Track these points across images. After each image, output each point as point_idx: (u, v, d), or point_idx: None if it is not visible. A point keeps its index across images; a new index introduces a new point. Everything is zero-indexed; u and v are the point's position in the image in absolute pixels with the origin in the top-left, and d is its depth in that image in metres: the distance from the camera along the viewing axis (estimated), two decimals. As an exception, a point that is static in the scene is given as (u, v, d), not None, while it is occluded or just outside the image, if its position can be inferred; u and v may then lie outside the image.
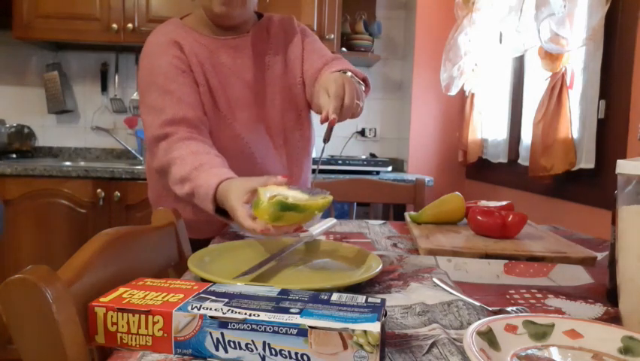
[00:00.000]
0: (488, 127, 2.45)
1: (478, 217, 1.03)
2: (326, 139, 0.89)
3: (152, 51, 1.08)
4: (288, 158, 1.20)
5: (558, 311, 0.64)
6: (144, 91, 1.07)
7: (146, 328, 0.48)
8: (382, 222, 1.27)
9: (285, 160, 1.19)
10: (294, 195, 0.73)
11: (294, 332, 0.45)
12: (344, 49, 2.69)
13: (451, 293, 0.66)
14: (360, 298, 0.52)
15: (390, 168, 2.52)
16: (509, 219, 1.00)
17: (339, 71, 1.00)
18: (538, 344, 0.50)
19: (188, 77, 1.06)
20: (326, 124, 0.86)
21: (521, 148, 2.08)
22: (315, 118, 1.26)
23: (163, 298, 0.51)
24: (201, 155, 0.96)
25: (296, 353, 0.45)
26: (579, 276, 0.79)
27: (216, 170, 0.90)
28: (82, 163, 2.52)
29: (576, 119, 1.64)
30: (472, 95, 2.46)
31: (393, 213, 2.41)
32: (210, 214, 0.90)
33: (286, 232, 0.75)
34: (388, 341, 0.52)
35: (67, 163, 2.45)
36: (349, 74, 0.97)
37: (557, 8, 1.53)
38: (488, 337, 0.48)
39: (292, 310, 0.47)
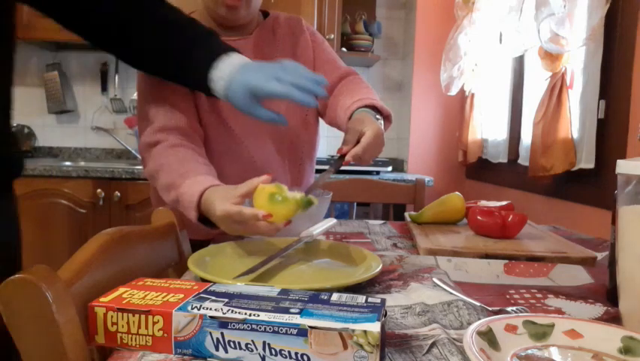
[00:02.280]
0: (488, 127, 2.45)
1: (478, 217, 1.03)
2: (334, 169, 0.89)
3: None
4: (291, 162, 1.18)
5: (558, 311, 0.64)
6: (140, 95, 1.07)
7: (146, 328, 0.48)
8: (382, 222, 1.27)
9: (287, 165, 1.17)
10: (292, 193, 0.75)
11: (294, 332, 0.45)
12: (344, 49, 2.69)
13: (451, 293, 0.66)
14: (360, 298, 0.52)
15: (390, 168, 2.52)
16: (509, 219, 1.00)
17: (370, 107, 0.98)
18: (538, 344, 0.50)
19: None
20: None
21: (521, 148, 2.08)
22: (321, 122, 1.24)
23: (163, 298, 0.51)
24: (188, 162, 0.94)
25: (296, 353, 0.45)
26: (579, 276, 0.79)
27: (201, 177, 0.88)
28: (82, 163, 2.52)
29: (576, 119, 1.64)
30: (472, 95, 2.46)
31: (393, 213, 2.41)
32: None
33: (280, 227, 0.75)
34: (388, 341, 0.52)
35: (67, 163, 2.45)
36: (381, 121, 0.96)
37: (557, 8, 1.53)
38: (488, 337, 0.48)
39: (292, 310, 0.47)
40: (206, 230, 0.88)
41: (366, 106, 0.98)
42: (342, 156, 0.87)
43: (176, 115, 1.02)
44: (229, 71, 0.84)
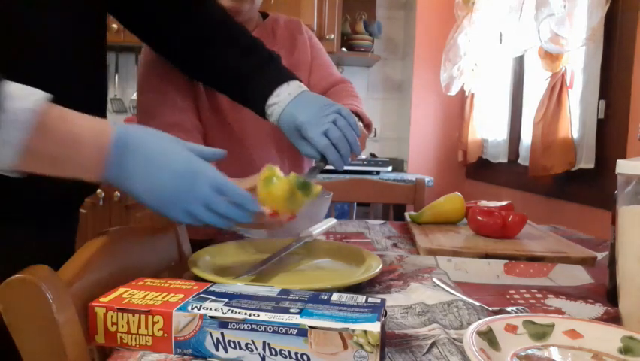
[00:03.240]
0: (488, 127, 2.45)
1: (478, 217, 1.03)
2: (322, 166, 0.89)
3: (151, 50, 1.08)
4: (290, 162, 1.18)
5: (558, 311, 0.64)
6: (140, 91, 1.07)
7: (146, 328, 0.48)
8: (382, 222, 1.27)
9: (287, 164, 1.17)
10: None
11: (294, 332, 0.45)
12: (344, 49, 2.69)
13: (451, 293, 0.66)
14: (360, 298, 0.52)
15: (390, 168, 2.52)
16: (509, 219, 1.00)
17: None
18: (538, 344, 0.50)
19: (184, 79, 1.06)
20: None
21: (521, 148, 2.08)
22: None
23: (163, 298, 0.51)
24: None
25: (296, 353, 0.45)
26: (579, 276, 0.79)
27: None
28: (82, 163, 2.52)
29: (576, 119, 1.64)
30: (472, 95, 2.46)
31: (393, 213, 2.41)
32: None
33: (284, 221, 0.74)
34: (388, 341, 0.52)
35: (67, 163, 2.45)
36: (360, 124, 0.97)
37: (557, 8, 1.53)
38: (488, 337, 0.48)
39: (292, 310, 0.47)
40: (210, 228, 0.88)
41: None
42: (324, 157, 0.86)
43: (177, 112, 1.02)
44: (284, 101, 0.87)
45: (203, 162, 0.63)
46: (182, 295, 0.52)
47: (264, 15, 1.19)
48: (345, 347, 0.44)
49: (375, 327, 0.44)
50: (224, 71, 0.94)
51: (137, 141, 0.59)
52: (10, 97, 0.50)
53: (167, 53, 0.98)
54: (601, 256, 0.92)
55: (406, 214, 1.20)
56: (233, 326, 0.46)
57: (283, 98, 0.87)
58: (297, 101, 0.86)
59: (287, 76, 0.90)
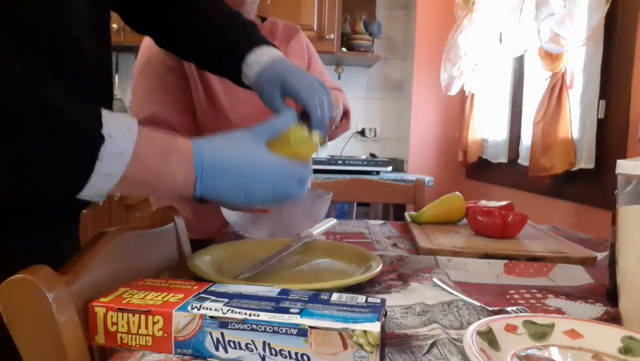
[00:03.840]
0: (488, 127, 2.45)
1: (478, 217, 1.03)
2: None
3: (149, 44, 1.10)
4: None
5: (558, 311, 0.64)
6: (135, 82, 1.10)
7: (146, 328, 0.48)
8: (382, 222, 1.27)
9: None
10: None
11: (294, 332, 0.45)
12: (344, 49, 2.69)
13: (451, 293, 0.66)
14: (360, 298, 0.52)
15: (390, 168, 2.52)
16: (509, 219, 1.00)
17: None
18: (538, 344, 0.50)
19: (180, 76, 1.06)
20: None
21: (521, 148, 2.08)
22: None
23: (163, 298, 0.51)
24: None
25: (296, 353, 0.45)
26: (579, 276, 0.79)
27: None
28: (82, 163, 2.52)
29: (576, 119, 1.64)
30: (472, 95, 2.46)
31: (393, 213, 2.41)
32: (207, 213, 0.89)
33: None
34: (388, 341, 0.52)
35: (67, 163, 2.45)
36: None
37: (557, 8, 1.53)
38: (488, 337, 0.48)
39: (292, 310, 0.47)
40: (210, 228, 0.88)
41: None
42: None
43: (166, 108, 1.04)
44: (267, 59, 0.81)
45: (284, 161, 0.62)
46: (182, 295, 0.52)
47: (263, 19, 1.21)
48: (345, 347, 0.44)
49: (375, 327, 0.44)
50: (203, 28, 0.88)
51: (214, 155, 0.59)
52: (109, 129, 0.50)
53: (151, 26, 0.93)
54: (601, 256, 0.92)
55: (406, 214, 1.20)
56: (233, 326, 0.46)
57: (265, 59, 0.81)
58: (282, 63, 0.80)
59: (268, 42, 0.85)
